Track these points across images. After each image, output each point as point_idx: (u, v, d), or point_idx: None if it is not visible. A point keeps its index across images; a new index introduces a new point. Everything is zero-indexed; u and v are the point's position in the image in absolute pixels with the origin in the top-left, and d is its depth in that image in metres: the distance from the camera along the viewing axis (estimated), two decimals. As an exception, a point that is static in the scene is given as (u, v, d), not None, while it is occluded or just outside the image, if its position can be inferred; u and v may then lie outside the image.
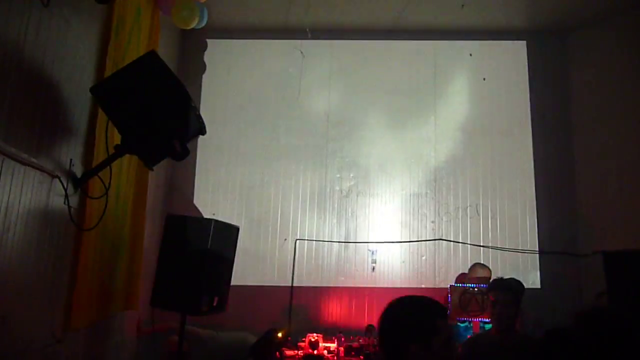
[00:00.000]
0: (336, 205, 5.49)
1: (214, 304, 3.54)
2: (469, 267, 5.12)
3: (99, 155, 3.00)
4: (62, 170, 2.70)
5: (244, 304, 4.67)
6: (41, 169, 2.45)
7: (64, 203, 2.68)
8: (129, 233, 3.75)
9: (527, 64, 5.72)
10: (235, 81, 5.74)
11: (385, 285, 5.27)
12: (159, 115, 2.70)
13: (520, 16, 5.50)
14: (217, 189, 5.48)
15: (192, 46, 5.63)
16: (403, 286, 5.24)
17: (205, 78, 5.71)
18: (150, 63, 2.71)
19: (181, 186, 5.36)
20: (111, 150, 2.89)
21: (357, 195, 5.51)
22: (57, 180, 2.61)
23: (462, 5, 5.10)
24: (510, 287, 3.06)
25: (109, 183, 2.92)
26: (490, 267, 5.11)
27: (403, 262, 5.36)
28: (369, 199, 5.52)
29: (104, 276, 3.34)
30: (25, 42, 2.32)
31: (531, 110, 5.62)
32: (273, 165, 5.56)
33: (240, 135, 5.61)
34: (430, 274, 5.35)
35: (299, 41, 5.57)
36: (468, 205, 5.50)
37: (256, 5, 5.27)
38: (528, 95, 5.65)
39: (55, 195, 2.63)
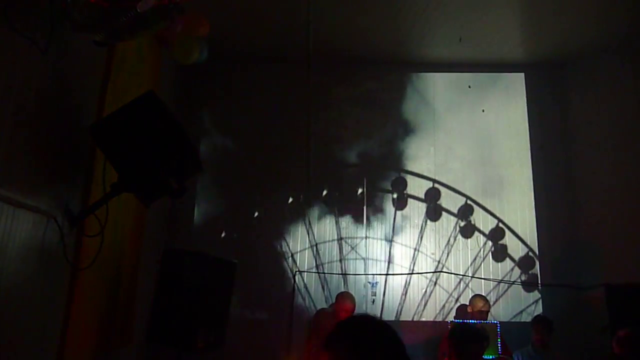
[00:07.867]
0: (336, 237, 5.47)
1: (211, 339, 3.50)
2: (469, 298, 5.05)
3: (96, 194, 3.00)
4: (58, 209, 2.71)
5: (242, 340, 4.61)
6: (36, 210, 2.47)
7: (60, 242, 2.68)
8: (125, 269, 3.74)
9: (525, 95, 5.75)
10: (238, 111, 5.76)
11: (387, 319, 5.22)
12: (156, 154, 2.71)
13: (518, 49, 5.54)
14: (217, 222, 5.46)
15: (195, 79, 5.68)
16: (404, 319, 5.20)
17: (208, 109, 5.77)
18: (148, 102, 2.74)
19: (181, 219, 5.34)
20: (108, 189, 2.90)
21: (357, 228, 5.50)
22: (52, 220, 2.62)
23: (460, 39, 5.18)
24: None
25: (106, 221, 2.92)
26: (492, 299, 5.08)
27: (403, 294, 5.32)
28: (368, 231, 5.51)
29: (100, 313, 3.32)
30: (23, 86, 2.36)
31: (530, 141, 5.63)
32: (273, 197, 5.55)
33: (242, 166, 5.62)
34: (431, 307, 5.30)
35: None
36: (468, 236, 5.48)
37: (263, 32, 5.26)
38: (527, 126, 5.67)
39: (51, 235, 2.63)
